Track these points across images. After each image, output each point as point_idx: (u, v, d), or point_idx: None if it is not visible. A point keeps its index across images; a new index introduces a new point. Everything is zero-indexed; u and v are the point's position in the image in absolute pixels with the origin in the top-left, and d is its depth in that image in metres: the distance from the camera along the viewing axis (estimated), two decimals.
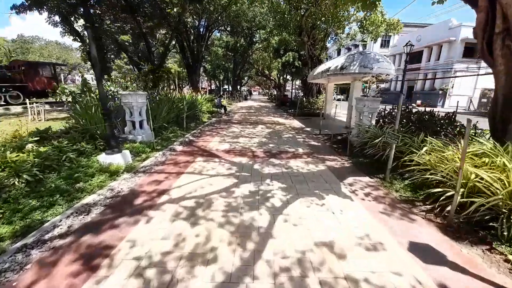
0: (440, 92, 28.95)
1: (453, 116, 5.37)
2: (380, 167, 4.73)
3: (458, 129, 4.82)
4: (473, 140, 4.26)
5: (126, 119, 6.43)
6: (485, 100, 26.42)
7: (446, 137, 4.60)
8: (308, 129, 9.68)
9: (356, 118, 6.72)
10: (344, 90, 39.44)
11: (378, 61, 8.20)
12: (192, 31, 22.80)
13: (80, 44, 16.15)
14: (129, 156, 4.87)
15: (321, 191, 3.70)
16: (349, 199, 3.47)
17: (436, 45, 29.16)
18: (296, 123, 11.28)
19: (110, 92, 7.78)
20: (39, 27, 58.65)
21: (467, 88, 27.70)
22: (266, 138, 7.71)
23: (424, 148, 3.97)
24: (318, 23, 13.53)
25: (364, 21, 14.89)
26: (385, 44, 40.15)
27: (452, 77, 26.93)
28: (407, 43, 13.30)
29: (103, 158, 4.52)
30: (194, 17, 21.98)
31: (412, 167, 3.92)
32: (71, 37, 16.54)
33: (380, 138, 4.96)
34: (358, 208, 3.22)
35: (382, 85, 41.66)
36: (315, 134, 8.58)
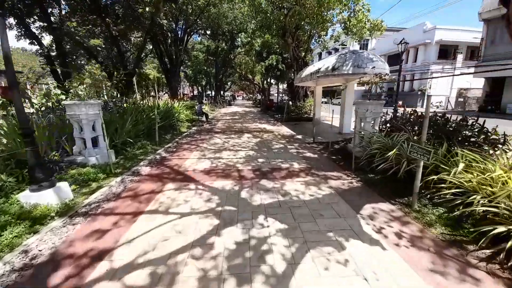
0: (419, 92, 29.71)
1: (479, 120, 4.60)
2: (398, 187, 3.79)
3: (483, 135, 4.02)
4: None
5: (74, 136, 5.03)
6: (461, 99, 27.42)
7: (473, 146, 3.77)
8: (299, 136, 8.71)
9: (357, 124, 5.83)
10: (327, 93, 39.56)
11: (373, 60, 7.47)
12: (170, 34, 21.39)
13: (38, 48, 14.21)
14: (68, 190, 3.52)
15: (337, 234, 2.63)
16: (379, 247, 2.42)
17: (412, 47, 29.98)
18: (285, 130, 10.30)
19: (53, 102, 6.31)
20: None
21: (444, 88, 28.66)
22: (254, 150, 6.60)
23: (461, 165, 3.05)
24: (302, 23, 12.82)
25: (348, 22, 14.47)
26: (363, 47, 41.02)
27: (430, 78, 27.71)
28: (401, 41, 12.89)
29: (26, 197, 3.16)
30: (171, 19, 20.61)
31: (443, 190, 3.00)
32: (28, 41, 14.54)
33: (394, 150, 4.04)
34: (396, 264, 2.18)
35: (363, 87, 42.45)
36: (308, 142, 7.61)
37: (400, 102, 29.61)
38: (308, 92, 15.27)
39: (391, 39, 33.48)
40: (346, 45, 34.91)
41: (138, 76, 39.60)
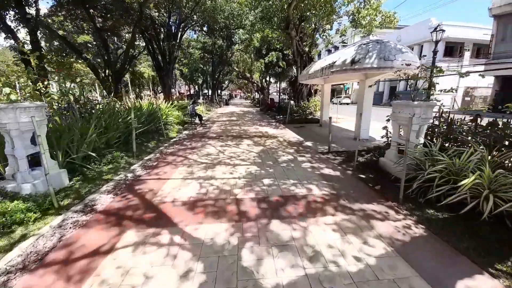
0: (423, 92, 28.42)
1: None
2: (488, 239, 2.38)
3: None
4: None
5: (6, 152, 3.52)
6: (468, 98, 26.27)
7: None
8: (308, 143, 7.26)
9: (393, 132, 4.41)
10: (332, 92, 38.12)
11: (402, 51, 6.05)
12: (162, 29, 19.78)
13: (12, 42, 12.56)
14: None
15: None
16: None
17: (417, 45, 28.75)
18: (290, 134, 8.85)
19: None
20: None
21: (450, 87, 27.45)
22: (256, 164, 5.14)
23: None
24: (308, 14, 11.35)
25: (357, 14, 13.05)
26: None
27: (435, 76, 26.37)
28: (435, 28, 11.53)
29: None
30: (163, 11, 18.99)
31: None
32: (2, 35, 12.82)
33: (472, 179, 2.63)
34: None
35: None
36: (322, 152, 6.17)
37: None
38: (312, 91, 13.85)
39: (392, 36, 32.22)
40: (346, 43, 33.54)
41: (131, 74, 37.96)
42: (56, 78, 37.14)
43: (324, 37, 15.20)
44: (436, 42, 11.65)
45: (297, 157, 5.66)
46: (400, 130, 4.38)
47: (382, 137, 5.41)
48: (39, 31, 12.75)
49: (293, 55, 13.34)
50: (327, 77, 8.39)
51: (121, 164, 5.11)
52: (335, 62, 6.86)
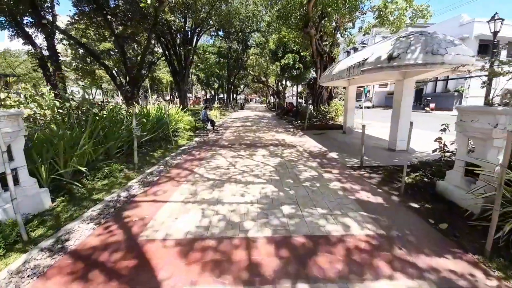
0: (456, 94, 25.89)
1: None
2: None
3: None
4: None
5: None
6: (506, 101, 23.38)
7: None
8: (334, 155, 6.20)
9: (459, 147, 3.28)
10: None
11: (454, 43, 4.89)
12: (177, 34, 19.69)
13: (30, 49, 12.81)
14: None
15: None
16: None
17: None
18: (310, 143, 7.82)
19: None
20: None
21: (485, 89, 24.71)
22: (273, 183, 4.22)
23: None
24: (329, 10, 10.32)
25: (384, 9, 11.80)
26: (355, 50, 37.42)
27: (468, 77, 23.88)
28: (493, 17, 10.14)
29: None
30: (179, 16, 18.89)
31: None
32: (21, 41, 13.12)
33: None
34: None
35: (386, 89, 38.79)
36: (353, 167, 5.11)
37: (432, 105, 26.00)
38: (333, 94, 12.70)
39: None
40: (366, 44, 31.74)
41: (150, 80, 38.88)
42: (82, 84, 38.98)
43: (346, 36, 14.01)
44: (495, 34, 10.04)
45: (323, 174, 4.66)
46: (471, 144, 3.25)
47: (435, 151, 4.25)
48: (59, 38, 12.91)
49: (312, 56, 12.32)
50: (353, 78, 7.31)
51: (118, 179, 4.44)
52: (366, 59, 5.80)
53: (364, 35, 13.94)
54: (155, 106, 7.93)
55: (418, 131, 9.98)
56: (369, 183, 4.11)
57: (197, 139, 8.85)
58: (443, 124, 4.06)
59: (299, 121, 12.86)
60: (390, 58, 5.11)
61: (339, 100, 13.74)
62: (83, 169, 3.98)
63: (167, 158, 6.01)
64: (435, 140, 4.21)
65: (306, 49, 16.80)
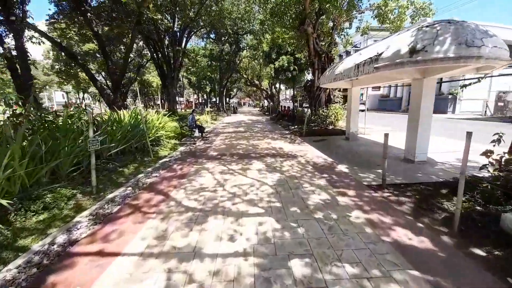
0: (450, 96, 25.68)
1: None
2: None
3: None
4: None
5: None
6: (501, 103, 23.31)
7: None
8: (343, 167, 5.17)
9: None
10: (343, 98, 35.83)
11: (489, 34, 3.99)
12: (166, 34, 18.52)
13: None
14: None
15: None
16: None
17: None
18: (313, 152, 6.78)
19: None
20: None
21: (481, 91, 24.57)
22: (273, 213, 3.11)
23: None
24: (327, 6, 9.45)
25: (384, 7, 11.08)
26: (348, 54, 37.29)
27: (462, 79, 23.66)
28: None
29: None
30: (167, 15, 17.74)
31: None
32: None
33: None
34: None
35: (379, 92, 38.63)
36: (371, 186, 4.08)
37: None
38: (332, 97, 11.79)
39: None
40: (358, 47, 31.41)
41: (139, 83, 37.25)
42: (69, 87, 36.87)
43: (343, 36, 13.21)
44: None
45: (337, 197, 3.59)
46: None
47: (483, 167, 3.25)
48: (28, 36, 11.53)
49: (309, 56, 11.42)
50: (356, 79, 6.36)
51: (64, 211, 3.24)
52: (381, 54, 4.83)
53: (362, 35, 13.18)
54: (130, 111, 6.71)
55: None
56: (402, 213, 3.07)
57: (182, 148, 7.67)
58: (495, 134, 3.09)
59: (296, 126, 11.86)
60: (413, 51, 4.15)
61: (335, 103, 12.86)
62: (4, 202, 2.77)
63: (139, 176, 4.81)
64: (483, 154, 3.22)
65: (302, 50, 15.96)
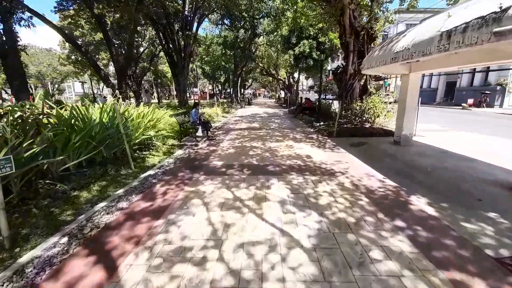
0: (498, 88, 21.60)
1: None
2: None
3: None
4: None
5: None
6: None
7: None
8: (423, 205, 3.06)
9: None
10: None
11: None
12: (175, 18, 16.61)
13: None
14: None
15: None
16: None
17: None
18: (356, 166, 4.69)
19: None
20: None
21: None
22: None
23: None
24: None
25: None
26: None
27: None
28: None
29: None
30: None
31: None
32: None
33: None
34: None
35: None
36: (504, 260, 1.99)
37: (471, 101, 21.83)
38: (369, 87, 9.37)
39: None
40: (387, 33, 27.56)
41: (153, 73, 36.10)
42: (84, 77, 36.69)
43: (383, 11, 10.47)
44: None
45: None
46: None
47: None
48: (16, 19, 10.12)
49: (342, 36, 8.99)
50: (417, 61, 4.08)
51: None
52: (508, 9, 2.59)
53: (408, 9, 10.34)
54: (107, 104, 4.93)
55: (485, 138, 6.67)
56: None
57: (180, 152, 5.89)
58: None
59: (322, 123, 9.65)
60: None
61: (371, 95, 10.38)
62: None
63: (98, 207, 3.08)
64: None
65: (330, 30, 13.38)
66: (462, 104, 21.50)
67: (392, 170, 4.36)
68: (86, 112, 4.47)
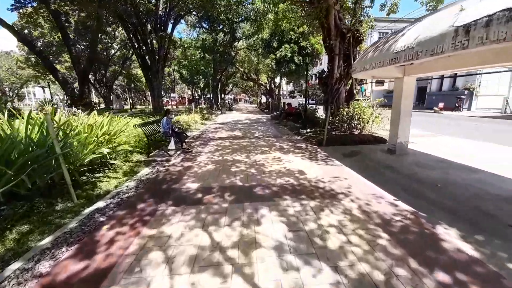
0: (466, 92, 23.15)
1: None
2: None
3: None
4: None
5: None
6: None
7: None
8: (455, 239, 2.40)
9: None
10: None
11: None
12: (147, 18, 15.31)
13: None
14: None
15: None
16: None
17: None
18: (358, 183, 4.00)
19: None
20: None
21: (500, 86, 22.14)
22: None
23: None
24: None
25: None
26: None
27: (479, 73, 21.11)
28: None
29: None
30: None
31: None
32: None
33: None
34: None
35: (383, 87, 36.03)
36: None
37: (441, 105, 23.11)
38: (355, 92, 9.01)
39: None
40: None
41: (126, 77, 33.59)
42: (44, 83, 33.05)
43: (364, 16, 10.34)
44: None
45: None
46: None
47: None
48: None
49: (326, 39, 8.55)
50: (411, 64, 3.61)
51: None
52: None
53: (388, 14, 10.31)
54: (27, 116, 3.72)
55: (476, 144, 6.51)
56: None
57: (146, 171, 4.80)
58: None
59: (309, 130, 9.06)
60: None
61: (356, 100, 10.09)
62: None
63: (7, 273, 1.97)
64: None
65: (311, 34, 13.10)
66: (434, 108, 22.65)
67: (398, 187, 3.74)
68: (8, 126, 3.26)
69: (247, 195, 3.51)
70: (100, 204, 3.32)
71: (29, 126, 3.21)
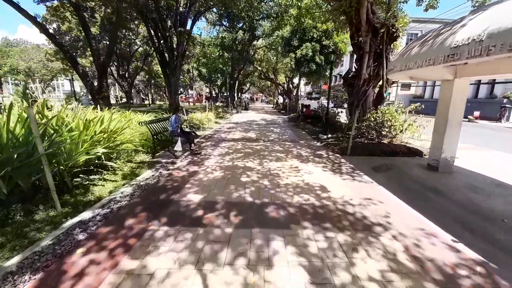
0: (505, 100, 20.66)
1: None
2: None
3: None
4: None
5: None
6: None
7: None
8: None
9: None
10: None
11: None
12: (168, 13, 15.16)
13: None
14: None
15: None
16: None
17: None
18: (399, 212, 3.19)
19: None
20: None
21: None
22: None
23: None
24: None
25: None
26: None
27: None
28: None
29: None
30: None
31: None
32: None
33: None
34: None
35: (409, 92, 33.55)
36: None
37: (477, 113, 20.82)
38: (384, 95, 7.98)
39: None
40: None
41: (147, 73, 34.33)
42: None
43: (400, 9, 9.19)
44: None
45: None
46: None
47: None
48: None
49: (354, 35, 7.63)
50: (465, 63, 2.68)
51: None
52: None
53: (426, 10, 9.09)
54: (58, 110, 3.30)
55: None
56: None
57: (147, 174, 4.30)
58: None
59: (330, 136, 8.19)
60: None
61: (386, 105, 9.05)
62: None
63: None
64: None
65: (336, 31, 12.11)
66: (469, 117, 20.44)
67: (453, 220, 2.87)
68: None
69: (257, 217, 2.84)
70: (86, 215, 2.82)
71: (12, 121, 2.79)
